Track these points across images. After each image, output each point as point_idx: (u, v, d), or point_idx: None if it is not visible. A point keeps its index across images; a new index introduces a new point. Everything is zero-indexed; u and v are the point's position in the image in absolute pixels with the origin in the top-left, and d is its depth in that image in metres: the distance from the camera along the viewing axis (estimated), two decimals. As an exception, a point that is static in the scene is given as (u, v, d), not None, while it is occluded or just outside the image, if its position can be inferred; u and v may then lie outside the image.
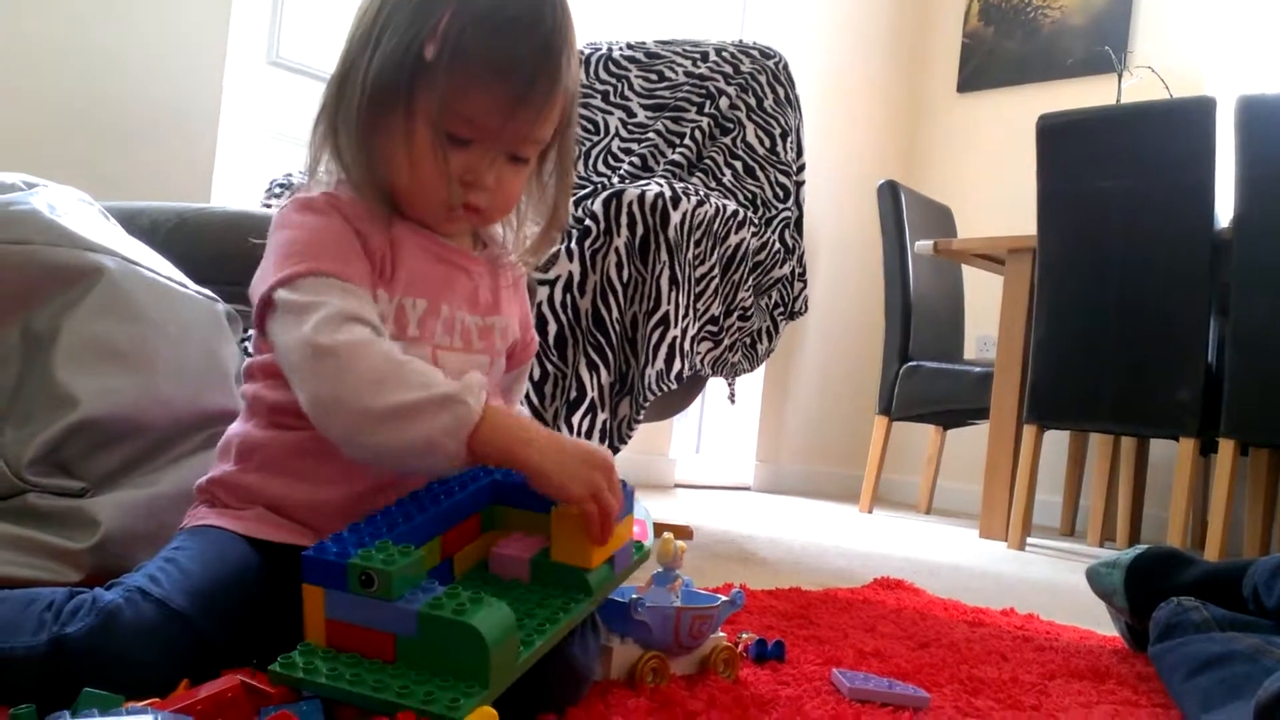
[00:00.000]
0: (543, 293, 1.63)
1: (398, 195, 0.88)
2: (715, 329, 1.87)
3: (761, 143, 2.13)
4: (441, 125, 0.84)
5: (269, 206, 1.98)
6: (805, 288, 2.12)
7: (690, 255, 1.75)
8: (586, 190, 1.76)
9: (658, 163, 2.08)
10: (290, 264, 0.81)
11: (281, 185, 2.03)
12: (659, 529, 1.06)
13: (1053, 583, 2.17)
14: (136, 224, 1.38)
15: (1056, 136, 2.83)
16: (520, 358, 1.04)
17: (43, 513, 0.94)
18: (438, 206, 0.88)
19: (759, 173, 2.10)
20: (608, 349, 1.66)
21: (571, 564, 0.78)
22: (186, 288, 1.13)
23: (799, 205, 2.13)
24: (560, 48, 0.85)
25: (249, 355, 1.40)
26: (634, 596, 0.92)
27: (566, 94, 0.88)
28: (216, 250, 1.42)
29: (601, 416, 1.65)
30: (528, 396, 1.60)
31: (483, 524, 0.84)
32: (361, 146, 0.86)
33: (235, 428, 0.90)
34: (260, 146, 2.57)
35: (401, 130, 0.85)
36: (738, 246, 1.87)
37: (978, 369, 3.29)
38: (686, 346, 1.73)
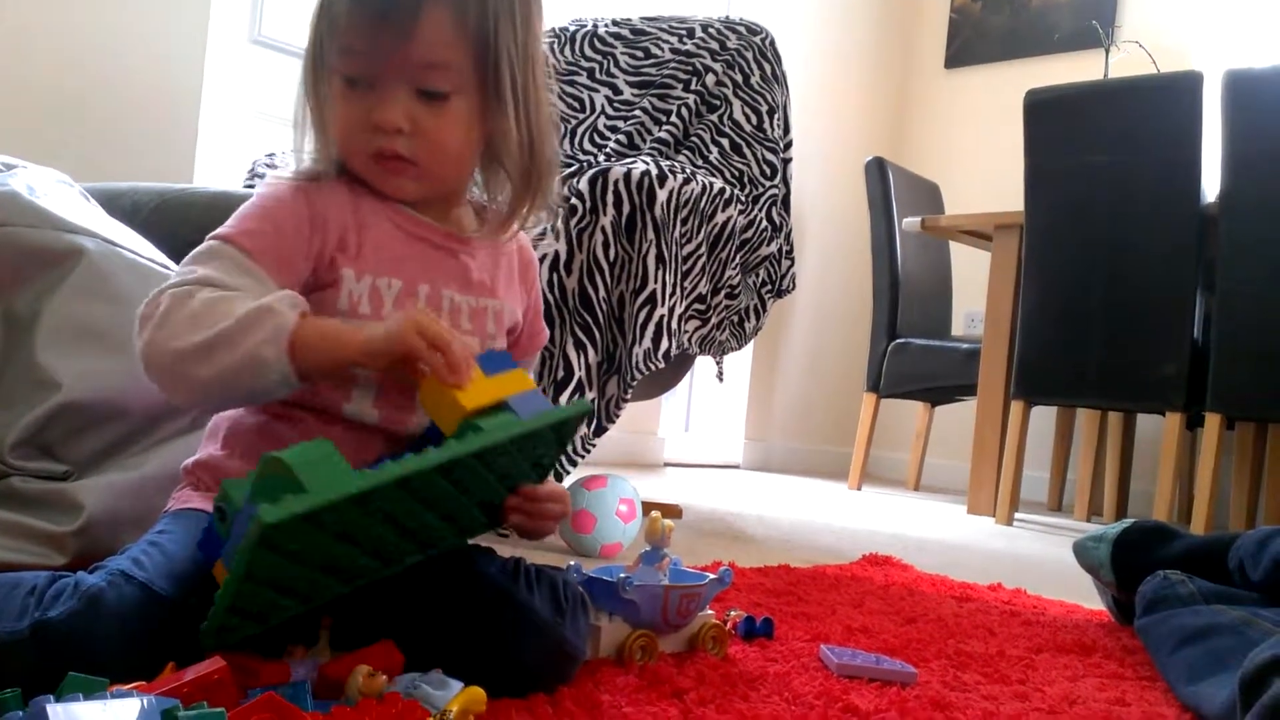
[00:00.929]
0: (529, 272, 1.63)
1: (342, 158, 0.88)
2: (703, 307, 1.86)
3: (748, 120, 2.12)
4: (337, 69, 0.84)
5: (252, 186, 1.96)
6: (793, 265, 2.12)
7: (677, 233, 1.74)
8: (572, 169, 1.75)
9: (644, 140, 2.07)
10: (223, 228, 0.84)
11: (265, 165, 2.02)
12: (648, 507, 1.06)
13: (1040, 557, 2.18)
14: (118, 205, 1.37)
15: (1044, 112, 2.82)
16: (526, 348, 1.01)
17: (27, 496, 0.93)
18: (364, 160, 0.86)
19: (746, 150, 2.09)
20: (595, 328, 1.65)
21: (450, 418, 0.75)
22: (168, 269, 1.12)
23: (786, 182, 2.12)
24: None
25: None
26: (622, 575, 0.92)
27: (460, 9, 0.83)
28: (199, 231, 1.40)
29: (589, 395, 1.65)
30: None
31: None
32: (314, 119, 0.87)
33: (225, 411, 0.89)
34: (243, 126, 2.55)
35: (326, 89, 0.86)
36: (725, 224, 1.87)
37: (965, 345, 3.30)
38: (674, 325, 1.73)
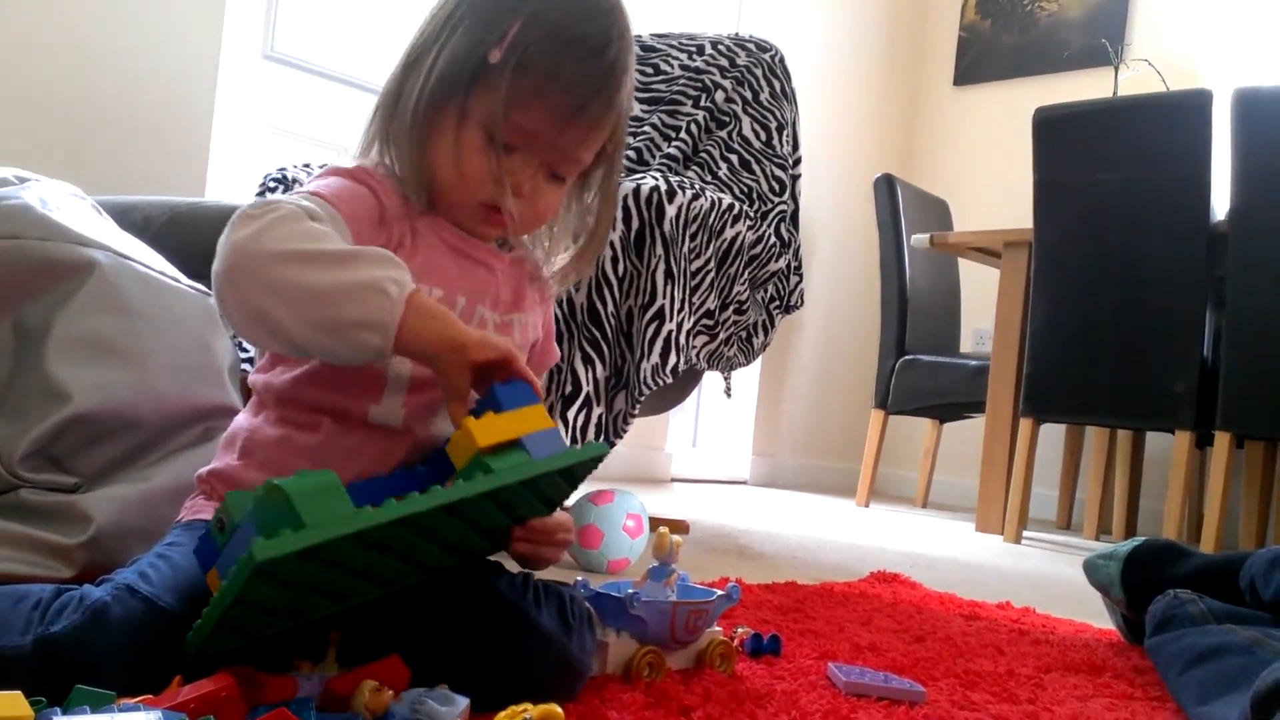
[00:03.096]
0: (538, 287, 1.63)
1: (436, 192, 0.90)
2: (711, 323, 1.86)
3: (758, 136, 2.12)
4: (497, 127, 0.85)
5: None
6: (801, 281, 2.12)
7: (686, 249, 1.74)
8: (582, 184, 1.76)
9: (653, 156, 2.08)
10: (310, 187, 0.84)
11: (276, 180, 2.02)
12: (655, 523, 1.05)
13: (1049, 576, 2.17)
14: (129, 219, 1.37)
15: (1053, 129, 2.82)
16: (536, 367, 1.02)
17: (35, 508, 0.93)
18: (473, 206, 0.90)
19: (755, 166, 2.09)
20: (603, 343, 1.65)
21: (462, 454, 0.75)
22: (179, 282, 1.13)
23: (795, 199, 2.12)
24: (621, 73, 0.88)
25: (243, 350, 1.39)
26: (630, 591, 0.92)
27: (618, 119, 0.91)
28: (209, 245, 1.40)
29: (597, 410, 1.65)
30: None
31: None
32: (414, 138, 0.88)
33: (242, 420, 0.90)
34: (255, 141, 2.56)
35: (453, 126, 0.87)
36: (733, 240, 1.87)
37: (974, 362, 3.29)
38: (682, 340, 1.73)
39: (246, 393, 0.94)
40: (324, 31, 2.71)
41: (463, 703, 0.71)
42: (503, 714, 0.63)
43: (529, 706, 0.64)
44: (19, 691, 0.57)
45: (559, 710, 0.64)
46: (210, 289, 1.15)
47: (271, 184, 2.01)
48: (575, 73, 0.86)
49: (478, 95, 0.86)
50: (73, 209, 1.10)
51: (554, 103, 0.85)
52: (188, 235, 1.43)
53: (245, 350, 1.52)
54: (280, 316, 0.74)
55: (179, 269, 1.16)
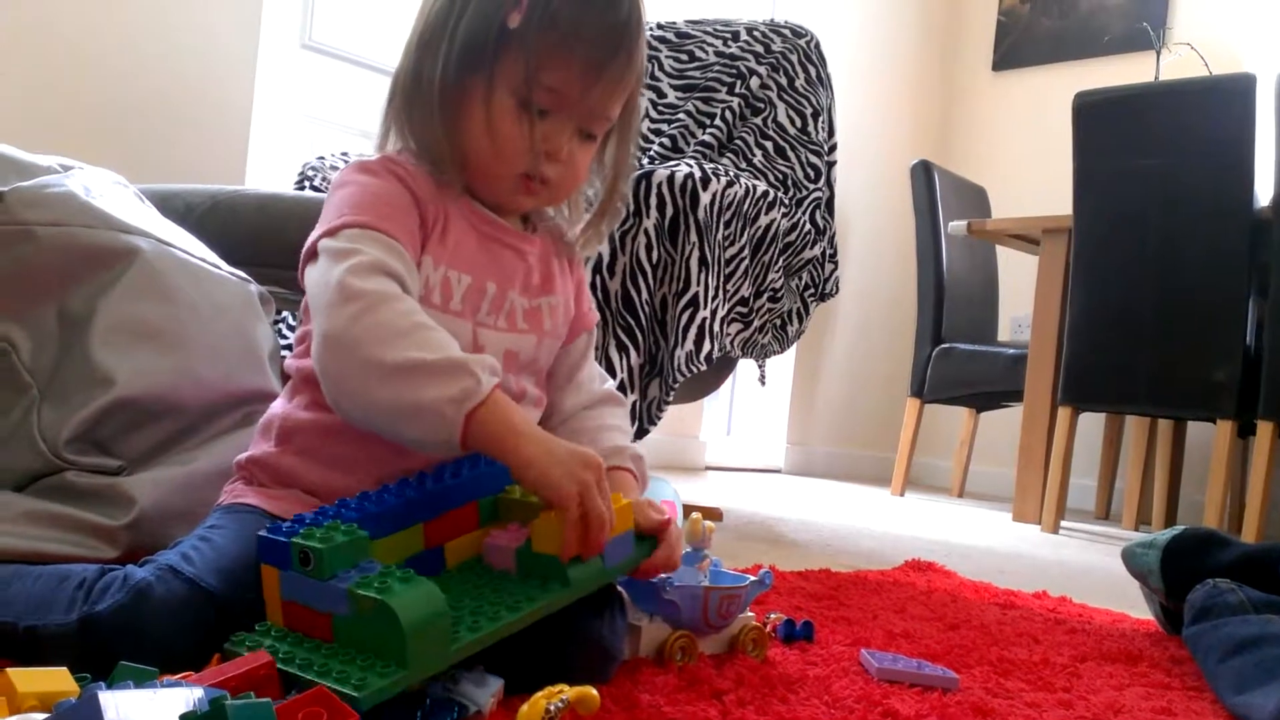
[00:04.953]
0: (572, 274, 1.63)
1: (471, 168, 0.90)
2: (745, 310, 1.86)
3: (793, 123, 2.11)
4: (529, 93, 0.85)
5: (301, 188, 1.99)
6: (836, 269, 2.11)
7: (720, 236, 1.74)
8: (616, 171, 1.76)
9: (688, 143, 2.08)
10: (337, 217, 0.83)
11: (314, 168, 2.04)
12: (688, 510, 1.06)
13: (1086, 566, 2.15)
14: (171, 206, 1.39)
15: (1094, 115, 2.79)
16: (575, 329, 1.02)
17: (81, 490, 0.95)
18: (512, 178, 0.89)
19: (790, 153, 2.08)
20: (637, 330, 1.66)
21: (550, 554, 0.77)
22: (220, 269, 1.14)
23: (830, 186, 2.11)
24: (638, 24, 0.88)
25: (283, 336, 1.41)
26: (663, 576, 0.92)
27: (637, 72, 0.91)
28: (250, 232, 1.43)
29: (631, 398, 1.65)
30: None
31: (484, 515, 0.84)
32: (439, 119, 0.88)
33: (277, 406, 0.91)
34: (293, 130, 2.59)
35: (482, 99, 0.87)
36: (768, 227, 1.87)
37: (1012, 351, 3.26)
38: (716, 328, 1.73)
39: (285, 378, 0.95)
40: (361, 21, 2.73)
41: (497, 684, 0.72)
42: (538, 695, 0.63)
43: (564, 688, 0.64)
44: (64, 668, 0.59)
45: (594, 692, 0.64)
46: (249, 276, 1.17)
47: (310, 172, 2.03)
48: (596, 27, 0.86)
49: (503, 63, 0.85)
50: (115, 196, 1.12)
51: (579, 59, 0.85)
52: (229, 222, 1.45)
53: (285, 336, 1.53)
54: (355, 413, 0.79)
55: (220, 256, 1.17)
